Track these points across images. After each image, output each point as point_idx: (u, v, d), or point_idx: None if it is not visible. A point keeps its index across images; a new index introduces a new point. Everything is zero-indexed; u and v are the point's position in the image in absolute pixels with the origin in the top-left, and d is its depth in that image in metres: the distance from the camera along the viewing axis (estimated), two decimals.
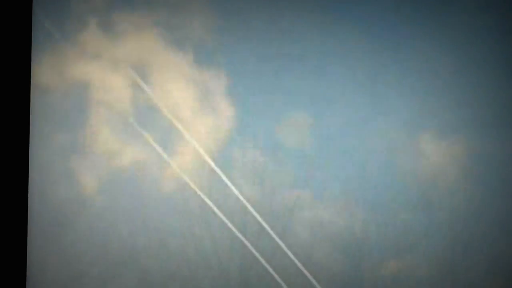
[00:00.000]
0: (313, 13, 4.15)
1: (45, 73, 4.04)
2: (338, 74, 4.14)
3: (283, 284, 4.03)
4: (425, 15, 4.17)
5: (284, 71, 4.16)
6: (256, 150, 4.09)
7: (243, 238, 4.04)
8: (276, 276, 4.04)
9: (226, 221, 4.05)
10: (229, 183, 4.06)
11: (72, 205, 4.01)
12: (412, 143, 4.09)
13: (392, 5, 4.18)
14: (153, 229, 4.05)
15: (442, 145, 4.09)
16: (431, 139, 4.09)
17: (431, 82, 4.15)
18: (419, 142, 4.10)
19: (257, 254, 4.05)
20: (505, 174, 4.12)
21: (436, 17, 4.18)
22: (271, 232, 4.04)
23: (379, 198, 4.09)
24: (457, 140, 4.11)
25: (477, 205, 4.11)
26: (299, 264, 4.04)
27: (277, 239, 4.04)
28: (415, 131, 4.11)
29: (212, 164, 4.07)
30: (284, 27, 4.16)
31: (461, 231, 4.07)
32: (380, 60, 4.14)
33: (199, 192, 4.06)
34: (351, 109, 4.12)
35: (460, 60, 4.17)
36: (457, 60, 4.18)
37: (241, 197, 4.06)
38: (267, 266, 4.04)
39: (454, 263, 4.07)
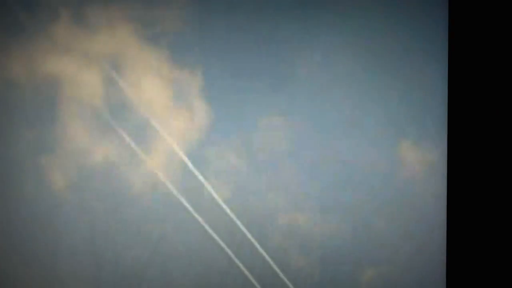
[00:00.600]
0: (295, 13, 4.05)
1: (14, 67, 3.92)
2: (316, 77, 4.03)
3: (258, 287, 3.93)
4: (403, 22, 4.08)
5: (261, 71, 4.05)
6: (231, 151, 3.98)
7: (218, 238, 3.93)
8: (252, 279, 3.94)
9: (200, 220, 3.94)
10: (204, 183, 3.95)
11: (40, 204, 3.89)
12: (392, 150, 4.00)
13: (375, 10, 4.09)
14: (124, 230, 3.93)
15: (420, 152, 4.00)
16: (410, 145, 3.99)
17: (413, 87, 4.05)
18: (398, 149, 4.01)
19: (232, 255, 3.94)
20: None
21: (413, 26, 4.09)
22: (247, 233, 3.94)
23: (355, 205, 3.99)
24: (435, 147, 4.01)
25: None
26: (275, 267, 3.94)
27: (252, 240, 3.93)
28: (394, 137, 4.01)
29: (187, 163, 3.96)
30: (263, 26, 4.05)
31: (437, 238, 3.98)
32: (360, 65, 4.04)
33: (173, 191, 3.95)
34: (329, 113, 4.02)
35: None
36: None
37: (216, 197, 3.95)
38: (243, 269, 3.94)
39: (431, 271, 3.97)
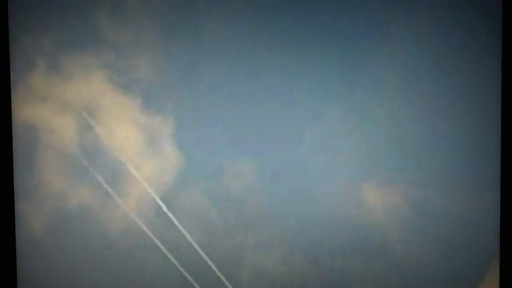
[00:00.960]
0: (263, 64, 4.23)
1: None
2: (282, 123, 4.23)
3: None
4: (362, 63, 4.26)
5: (230, 119, 4.24)
6: (201, 194, 4.17)
7: (191, 280, 4.14)
8: None
9: (175, 261, 4.14)
10: (176, 224, 4.15)
11: (18, 250, 4.06)
12: (354, 193, 4.21)
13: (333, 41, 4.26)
14: (102, 272, 4.11)
15: (382, 195, 4.21)
16: (372, 188, 4.20)
17: (374, 130, 4.25)
18: (360, 192, 4.22)
19: None
20: (443, 225, 4.25)
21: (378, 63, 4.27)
22: (219, 274, 4.14)
23: (320, 247, 4.21)
24: (396, 190, 4.23)
25: (414, 256, 4.24)
26: None
27: (223, 280, 4.14)
28: (358, 180, 4.22)
29: (160, 206, 4.15)
30: (231, 75, 4.23)
31: (397, 281, 4.21)
32: (325, 106, 4.24)
33: (147, 233, 4.14)
34: (296, 156, 4.22)
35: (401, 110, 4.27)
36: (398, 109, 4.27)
37: (190, 239, 4.15)
38: None
39: None
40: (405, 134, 4.22)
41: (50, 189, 4.14)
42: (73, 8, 4.18)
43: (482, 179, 4.20)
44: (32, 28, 4.16)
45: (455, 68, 4.24)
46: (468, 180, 4.21)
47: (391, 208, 4.22)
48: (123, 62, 4.21)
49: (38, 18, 4.16)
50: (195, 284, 4.15)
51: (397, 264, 4.22)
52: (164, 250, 4.14)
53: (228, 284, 4.15)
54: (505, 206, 4.12)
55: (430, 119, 4.24)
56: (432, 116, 4.24)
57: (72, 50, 4.19)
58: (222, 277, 4.15)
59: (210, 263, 4.14)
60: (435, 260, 4.22)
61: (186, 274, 4.14)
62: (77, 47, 4.19)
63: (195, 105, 4.21)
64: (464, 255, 4.21)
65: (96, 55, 4.19)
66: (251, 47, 4.22)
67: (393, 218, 4.22)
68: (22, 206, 4.10)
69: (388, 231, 4.22)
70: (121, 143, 4.19)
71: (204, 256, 4.15)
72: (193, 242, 4.15)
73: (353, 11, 4.20)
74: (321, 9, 4.21)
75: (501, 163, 4.15)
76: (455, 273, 4.21)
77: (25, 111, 4.14)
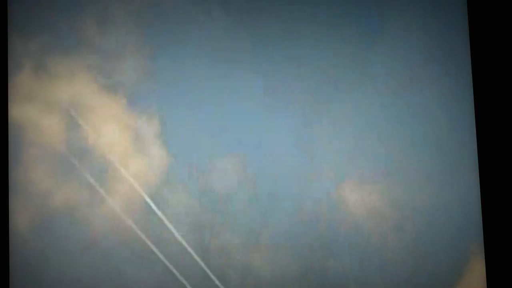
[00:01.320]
0: (249, 64, 4.34)
1: None
2: (267, 120, 4.33)
3: None
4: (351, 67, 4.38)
5: (214, 116, 4.33)
6: (186, 192, 4.23)
7: (181, 278, 4.17)
8: None
9: (164, 259, 4.17)
10: (165, 222, 4.19)
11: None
12: (335, 192, 4.30)
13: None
14: (88, 270, 4.12)
15: (362, 195, 4.31)
16: (352, 188, 4.30)
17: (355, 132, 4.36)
18: (341, 191, 4.31)
19: None
20: (425, 224, 4.36)
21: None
22: (208, 272, 4.18)
23: (305, 246, 4.28)
24: (376, 190, 4.33)
25: (398, 257, 4.32)
26: None
27: (213, 278, 4.18)
28: (338, 180, 4.32)
29: (147, 203, 4.20)
30: (216, 75, 4.33)
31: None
32: (310, 107, 4.35)
33: (135, 229, 4.17)
34: (281, 156, 4.31)
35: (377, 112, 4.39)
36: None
37: (178, 236, 4.19)
38: None
39: None
40: (389, 136, 4.34)
41: (36, 187, 4.15)
42: (60, 12, 4.26)
43: (464, 178, 4.33)
44: (19, 30, 4.22)
45: (435, 68, 4.40)
46: (451, 178, 4.34)
47: (373, 208, 4.32)
48: (108, 65, 4.29)
49: (26, 21, 4.23)
50: (183, 281, 4.17)
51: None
52: (151, 246, 4.17)
53: (216, 280, 4.18)
54: (486, 202, 4.25)
55: (416, 116, 4.38)
56: (418, 113, 4.38)
57: (58, 52, 4.26)
58: (210, 274, 4.19)
59: (198, 259, 4.18)
60: (416, 260, 4.31)
61: (174, 270, 4.17)
62: (63, 49, 4.26)
63: (180, 105, 4.29)
64: (445, 254, 4.30)
65: (82, 58, 4.27)
66: (236, 46, 4.33)
67: (374, 218, 4.32)
68: (8, 204, 4.11)
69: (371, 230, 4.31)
70: (107, 142, 4.24)
71: (192, 253, 4.19)
72: (180, 239, 4.19)
73: (346, 8, 4.36)
74: (315, 6, 4.36)
75: (479, 160, 4.28)
76: (436, 271, 4.30)
77: (11, 110, 4.18)
